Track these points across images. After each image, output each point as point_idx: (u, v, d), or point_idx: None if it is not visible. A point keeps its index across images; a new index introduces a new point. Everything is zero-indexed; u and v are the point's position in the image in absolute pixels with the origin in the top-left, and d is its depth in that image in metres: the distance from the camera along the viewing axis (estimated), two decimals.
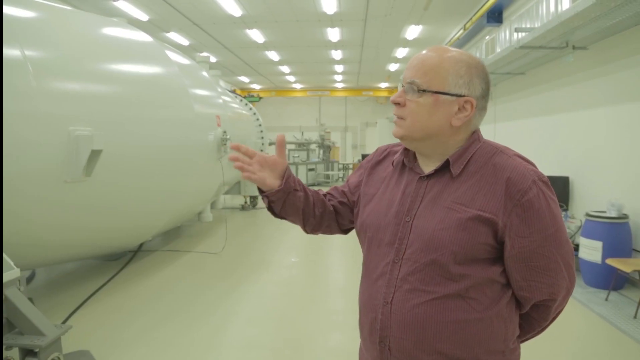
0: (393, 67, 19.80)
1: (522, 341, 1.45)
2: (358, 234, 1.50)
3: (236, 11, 12.14)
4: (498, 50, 8.32)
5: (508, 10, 9.53)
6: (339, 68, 20.83)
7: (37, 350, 2.92)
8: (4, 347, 3.06)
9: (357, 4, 11.42)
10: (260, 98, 28.44)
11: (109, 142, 3.91)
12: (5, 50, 3.19)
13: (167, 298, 4.93)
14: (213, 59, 18.46)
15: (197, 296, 4.99)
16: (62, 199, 3.65)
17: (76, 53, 3.94)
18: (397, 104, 1.29)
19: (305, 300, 5.00)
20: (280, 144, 1.46)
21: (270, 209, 1.49)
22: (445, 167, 1.29)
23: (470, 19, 10.78)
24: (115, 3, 11.24)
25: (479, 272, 1.23)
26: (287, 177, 1.45)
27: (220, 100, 7.78)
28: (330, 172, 18.87)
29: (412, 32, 13.68)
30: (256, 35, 14.70)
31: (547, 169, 7.11)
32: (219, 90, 8.41)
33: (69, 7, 4.94)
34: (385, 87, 26.17)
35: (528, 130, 8.63)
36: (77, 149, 3.59)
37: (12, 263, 3.14)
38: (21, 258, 3.44)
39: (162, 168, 5.09)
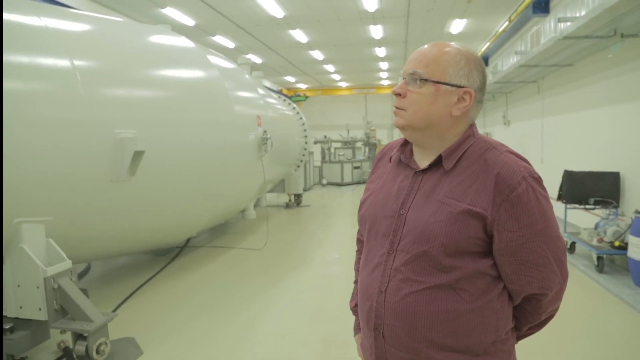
0: None
1: (522, 336, 1.49)
2: (360, 227, 1.59)
3: (278, 12, 12.38)
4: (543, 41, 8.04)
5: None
6: (384, 65, 20.73)
7: (86, 334, 3.17)
8: (59, 330, 3.36)
9: (398, 0, 11.37)
10: (307, 97, 28.77)
11: (151, 143, 4.15)
12: (56, 61, 3.48)
13: (207, 291, 5.16)
14: (258, 60, 18.88)
15: (236, 290, 5.19)
16: (108, 197, 3.92)
17: (121, 61, 4.21)
18: (398, 95, 1.36)
19: (344, 296, 5.06)
20: None
21: None
22: (438, 162, 1.35)
23: (516, 10, 10.46)
24: (163, 10, 11.76)
25: (469, 264, 1.27)
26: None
27: (261, 101, 7.98)
28: None
29: (457, 26, 13.43)
30: (299, 35, 14.92)
31: (596, 164, 6.83)
32: (260, 91, 8.62)
33: (117, 18, 5.27)
34: None
35: (577, 124, 8.29)
36: (121, 150, 3.84)
37: (64, 255, 3.44)
38: (74, 251, 3.74)
39: (203, 168, 5.31)
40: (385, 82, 26.24)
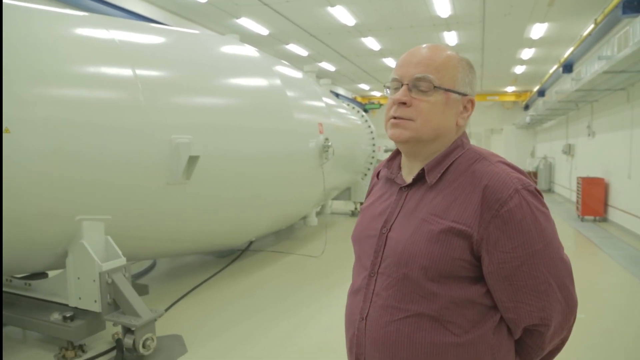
0: (519, 69, 18.52)
1: None
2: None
3: (350, 21, 12.43)
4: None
5: None
6: None
7: (133, 329, 3.35)
8: (111, 323, 3.58)
9: (472, 5, 10.96)
10: (381, 105, 28.54)
11: (207, 149, 4.32)
12: (119, 71, 3.74)
13: (259, 294, 5.25)
14: (332, 68, 19.07)
15: (288, 296, 5.24)
16: (164, 199, 4.12)
17: (182, 70, 4.43)
18: (402, 103, 1.21)
19: None
20: None
21: None
22: (422, 176, 1.24)
23: (603, 11, 9.69)
24: (238, 20, 12.25)
25: (455, 291, 1.14)
26: None
27: (325, 109, 8.03)
28: None
29: (537, 30, 12.69)
30: (371, 43, 14.87)
31: None
32: (326, 99, 8.68)
33: (185, 29, 5.56)
34: (512, 91, 24.56)
35: None
36: (177, 155, 4.03)
37: (120, 252, 3.65)
38: (130, 249, 3.98)
39: (260, 174, 5.43)
40: None
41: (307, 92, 7.54)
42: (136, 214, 3.94)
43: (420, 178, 1.25)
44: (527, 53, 15.56)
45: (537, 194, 1.15)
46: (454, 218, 1.13)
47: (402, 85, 1.22)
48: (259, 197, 5.63)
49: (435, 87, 1.18)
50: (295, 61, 16.99)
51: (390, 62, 17.95)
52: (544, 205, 1.15)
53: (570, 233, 9.32)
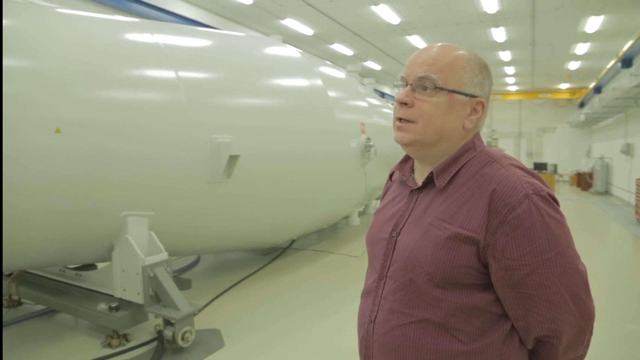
0: (573, 65, 17.72)
1: None
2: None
3: (394, 19, 12.33)
4: None
5: None
6: (510, 70, 19.46)
7: (173, 321, 3.48)
8: (153, 314, 3.73)
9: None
10: None
11: (247, 149, 4.42)
12: (163, 73, 3.89)
13: (298, 292, 5.31)
14: (377, 67, 18.96)
15: (327, 295, 5.26)
16: (206, 197, 4.25)
17: (222, 71, 4.56)
18: (404, 104, 1.19)
19: None
20: None
21: None
22: (432, 180, 1.22)
23: None
24: (282, 21, 12.42)
25: (462, 298, 1.11)
26: None
27: (367, 108, 8.00)
28: None
29: (593, 24, 12.09)
30: (417, 41, 14.68)
31: None
32: (370, 98, 8.65)
33: (228, 32, 5.71)
34: (567, 88, 23.52)
35: None
36: (218, 154, 4.15)
37: (162, 247, 3.81)
38: (172, 245, 4.13)
39: (300, 174, 5.49)
40: (512, 88, 24.56)
41: (349, 91, 7.54)
42: (178, 211, 4.08)
43: (430, 181, 1.22)
44: (581, 48, 14.88)
45: (550, 200, 1.10)
46: (460, 224, 1.10)
47: (407, 84, 1.19)
48: (299, 197, 5.68)
49: (437, 87, 1.15)
50: (340, 61, 17.02)
51: None
52: (557, 211, 1.10)
53: (628, 238, 8.83)
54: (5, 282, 4.41)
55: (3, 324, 4.17)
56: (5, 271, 4.46)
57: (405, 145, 1.22)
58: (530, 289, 1.07)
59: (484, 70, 1.21)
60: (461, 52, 1.20)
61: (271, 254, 7.07)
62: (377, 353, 1.21)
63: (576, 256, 1.11)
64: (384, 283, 1.22)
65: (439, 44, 1.22)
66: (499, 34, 13.50)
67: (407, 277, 1.15)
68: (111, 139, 3.43)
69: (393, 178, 1.43)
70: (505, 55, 16.56)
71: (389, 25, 12.90)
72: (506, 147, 23.46)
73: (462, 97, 1.17)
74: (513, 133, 26.29)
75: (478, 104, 1.19)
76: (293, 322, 4.38)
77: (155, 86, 3.83)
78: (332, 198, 6.67)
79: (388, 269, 1.22)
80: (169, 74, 3.90)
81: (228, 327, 4.14)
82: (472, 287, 1.11)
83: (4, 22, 3.22)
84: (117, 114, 3.48)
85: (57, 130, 3.06)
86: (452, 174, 1.18)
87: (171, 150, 3.85)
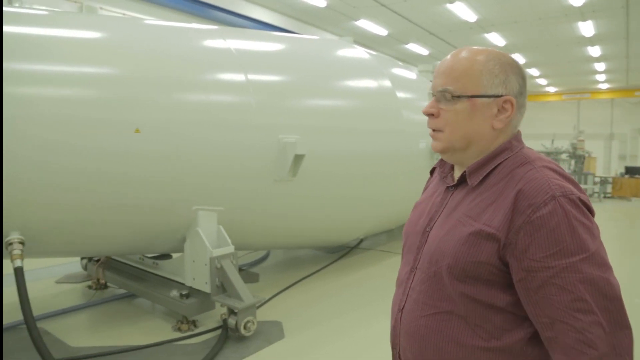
0: None
1: None
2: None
3: (471, 17, 11.99)
4: None
5: None
6: (600, 66, 18.14)
7: (236, 311, 3.69)
8: (219, 304, 3.98)
9: None
10: None
11: (313, 149, 4.54)
12: (233, 76, 4.12)
13: (359, 291, 5.36)
14: None
15: (389, 295, 5.25)
16: (272, 195, 4.44)
17: (290, 73, 4.73)
18: (430, 115, 1.25)
19: None
20: None
21: None
22: (466, 179, 1.25)
23: None
24: (356, 23, 12.50)
25: (482, 295, 1.12)
26: None
27: None
28: (582, 186, 16.53)
29: None
30: (495, 38, 14.16)
31: None
32: None
33: (295, 35, 5.89)
34: None
35: None
36: (284, 153, 4.32)
37: (229, 241, 4.04)
38: (239, 239, 4.36)
39: (366, 174, 5.54)
40: (604, 86, 22.84)
41: (419, 92, 7.46)
42: (246, 206, 4.30)
43: (464, 180, 1.26)
44: None
45: (580, 205, 1.06)
46: (485, 221, 1.12)
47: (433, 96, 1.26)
48: (365, 197, 5.73)
49: (454, 97, 1.18)
50: (416, 61, 16.79)
51: (518, 58, 16.85)
52: (587, 217, 1.06)
53: None
54: (93, 267, 4.89)
55: (93, 303, 4.64)
56: (94, 257, 4.96)
57: (440, 152, 1.30)
58: (554, 294, 1.03)
59: (507, 67, 1.20)
60: (479, 56, 1.21)
61: (338, 252, 7.18)
62: (403, 341, 1.28)
63: (607, 267, 1.05)
64: (414, 275, 1.28)
65: (458, 52, 1.25)
66: (586, 28, 12.65)
67: (432, 269, 1.20)
68: (184, 140, 3.70)
69: (434, 174, 1.47)
70: (595, 51, 15.46)
71: (466, 23, 12.56)
72: (595, 149, 21.78)
73: (484, 99, 1.18)
74: (603, 134, 24.42)
75: (506, 103, 1.19)
76: (354, 319, 4.44)
77: (226, 89, 4.08)
78: (400, 198, 6.64)
79: (419, 262, 1.28)
80: (238, 77, 4.13)
81: (289, 320, 4.29)
82: (494, 285, 1.12)
83: (97, 33, 3.60)
84: (190, 117, 3.74)
85: (137, 130, 3.37)
86: (484, 174, 1.20)
87: (239, 148, 4.07)
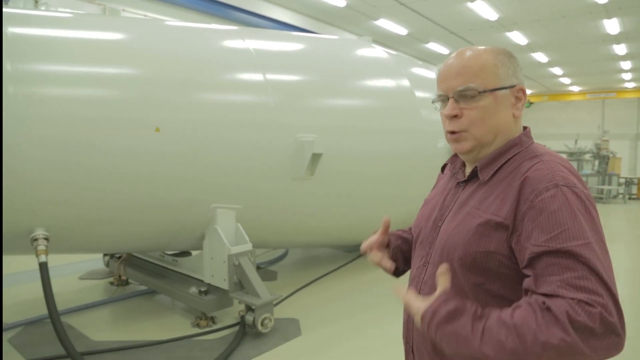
0: None
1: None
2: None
3: (492, 15, 11.84)
4: None
5: None
6: (626, 65, 17.72)
7: (253, 308, 3.74)
8: (237, 301, 4.03)
9: None
10: (531, 103, 26.47)
11: (330, 148, 4.56)
12: (251, 76, 4.17)
13: (376, 290, 5.35)
14: None
15: None
16: (290, 193, 4.47)
17: (308, 73, 4.76)
18: (454, 116, 1.24)
19: None
20: (385, 227, 1.50)
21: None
22: (477, 174, 1.27)
23: None
24: (376, 22, 12.47)
25: (494, 286, 1.14)
26: (394, 255, 1.52)
27: None
28: (605, 187, 16.19)
29: None
30: (517, 37, 13.96)
31: None
32: None
33: (313, 35, 5.92)
34: None
35: None
36: (302, 152, 4.35)
37: (247, 239, 4.09)
38: (258, 237, 4.41)
39: (384, 173, 5.53)
40: (630, 85, 22.28)
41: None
42: (264, 205, 4.35)
43: (475, 175, 1.28)
44: None
45: (582, 197, 1.07)
46: (493, 211, 1.15)
47: (448, 99, 1.25)
48: (383, 196, 5.73)
49: (480, 92, 1.21)
50: (437, 60, 16.64)
51: (541, 57, 16.61)
52: (587, 209, 1.06)
53: None
54: (115, 264, 5.00)
55: (114, 299, 4.75)
56: (117, 254, 5.07)
57: (466, 153, 1.28)
58: (555, 273, 1.00)
59: (512, 58, 1.27)
60: (486, 52, 1.25)
61: (356, 251, 7.19)
62: (417, 336, 1.30)
63: (608, 260, 1.04)
64: (427, 269, 1.30)
65: (459, 52, 1.28)
66: (611, 26, 12.37)
67: (443, 263, 1.20)
68: (203, 139, 3.76)
69: (445, 171, 1.49)
70: (620, 49, 15.11)
71: (487, 21, 12.41)
72: (620, 150, 21.26)
73: (504, 91, 1.23)
74: (629, 135, 23.87)
75: (519, 91, 1.25)
76: (369, 318, 4.45)
77: (244, 89, 4.13)
78: (417, 198, 6.59)
79: (430, 256, 1.30)
80: (257, 77, 4.18)
81: (306, 318, 4.33)
82: (505, 277, 1.13)
83: (119, 35, 3.69)
84: (209, 116, 3.80)
85: (157, 129, 3.44)
86: (495, 168, 1.23)
87: (258, 147, 4.11)
